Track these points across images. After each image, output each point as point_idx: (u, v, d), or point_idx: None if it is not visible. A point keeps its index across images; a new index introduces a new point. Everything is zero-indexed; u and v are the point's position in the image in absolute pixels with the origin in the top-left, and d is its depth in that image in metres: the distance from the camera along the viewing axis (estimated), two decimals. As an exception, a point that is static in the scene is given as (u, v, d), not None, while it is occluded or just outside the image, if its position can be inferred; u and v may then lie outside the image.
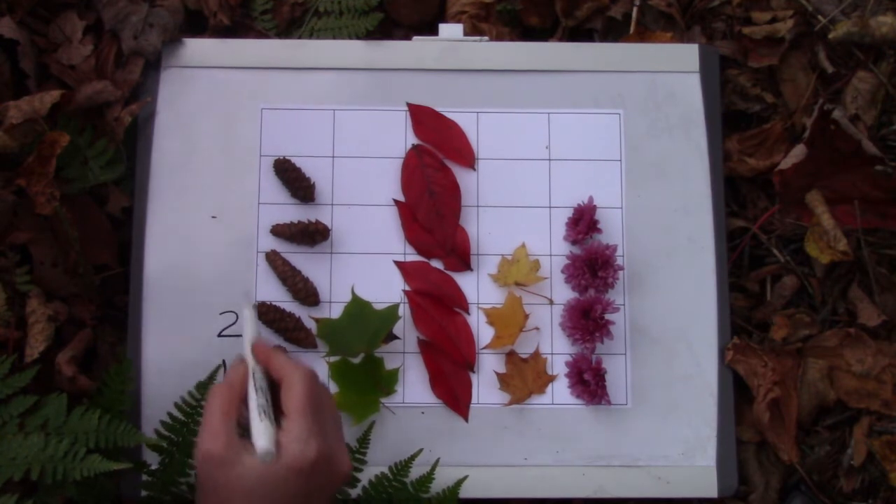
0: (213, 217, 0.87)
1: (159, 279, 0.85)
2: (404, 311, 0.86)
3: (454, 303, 0.86)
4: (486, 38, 0.92)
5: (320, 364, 0.83)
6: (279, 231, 0.86)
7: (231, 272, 0.86)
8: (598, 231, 0.87)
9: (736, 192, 0.94)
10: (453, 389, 0.85)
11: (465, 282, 0.87)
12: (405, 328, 0.86)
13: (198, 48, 0.90)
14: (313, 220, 0.86)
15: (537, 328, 0.87)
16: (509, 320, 0.86)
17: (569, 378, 0.86)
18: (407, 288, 0.87)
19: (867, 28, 0.90)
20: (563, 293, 0.87)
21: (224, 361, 0.84)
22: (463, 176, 0.88)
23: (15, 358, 0.76)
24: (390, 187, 0.88)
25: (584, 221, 0.86)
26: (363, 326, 0.82)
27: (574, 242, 0.88)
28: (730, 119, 0.94)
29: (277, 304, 0.85)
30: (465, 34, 0.92)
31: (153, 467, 0.78)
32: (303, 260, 0.86)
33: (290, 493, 0.61)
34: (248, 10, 0.95)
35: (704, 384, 0.86)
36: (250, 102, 0.89)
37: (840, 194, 0.88)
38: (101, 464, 0.68)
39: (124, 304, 0.86)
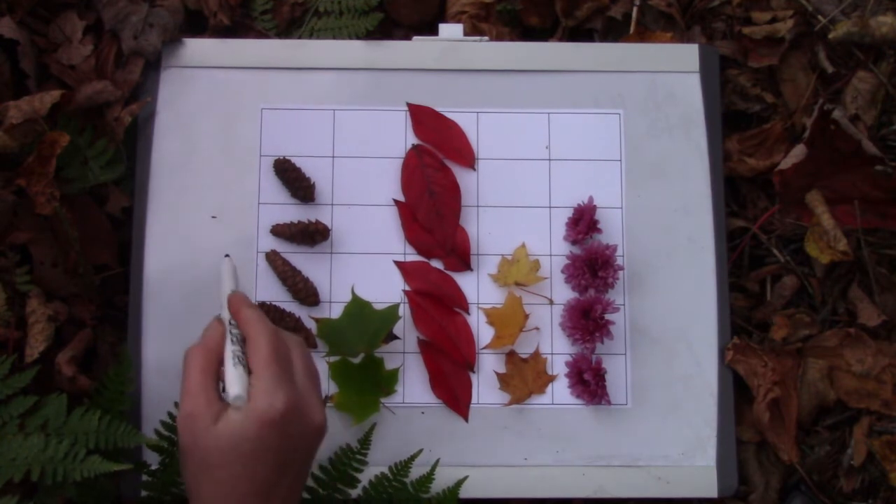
0: (213, 217, 0.87)
1: (159, 279, 0.85)
2: (404, 311, 0.86)
3: (454, 303, 0.86)
4: (486, 38, 0.92)
5: (320, 364, 0.83)
6: (279, 231, 0.86)
7: (231, 272, 0.86)
8: (598, 231, 0.87)
9: (736, 192, 0.94)
10: (453, 389, 0.85)
11: (465, 282, 0.87)
12: (405, 328, 0.86)
13: (198, 48, 0.90)
14: (313, 220, 0.86)
15: (537, 328, 0.87)
16: (509, 320, 0.86)
17: (569, 378, 0.86)
18: (407, 288, 0.87)
19: (867, 28, 0.90)
20: (563, 293, 0.87)
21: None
22: (463, 176, 0.88)
23: (15, 358, 0.76)
24: (390, 187, 0.88)
25: (584, 221, 0.86)
26: (363, 326, 0.82)
27: (574, 242, 0.88)
28: (730, 119, 0.94)
29: (277, 304, 0.85)
30: (465, 34, 0.92)
31: (153, 467, 0.78)
32: (303, 260, 0.86)
33: (263, 446, 0.61)
34: (248, 10, 0.95)
35: (704, 384, 0.86)
36: (250, 102, 0.89)
37: (840, 194, 0.88)
38: (101, 464, 0.68)
39: (124, 304, 0.86)
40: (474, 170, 0.89)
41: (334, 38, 0.93)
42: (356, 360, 0.83)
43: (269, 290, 0.86)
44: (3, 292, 0.81)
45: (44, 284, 0.84)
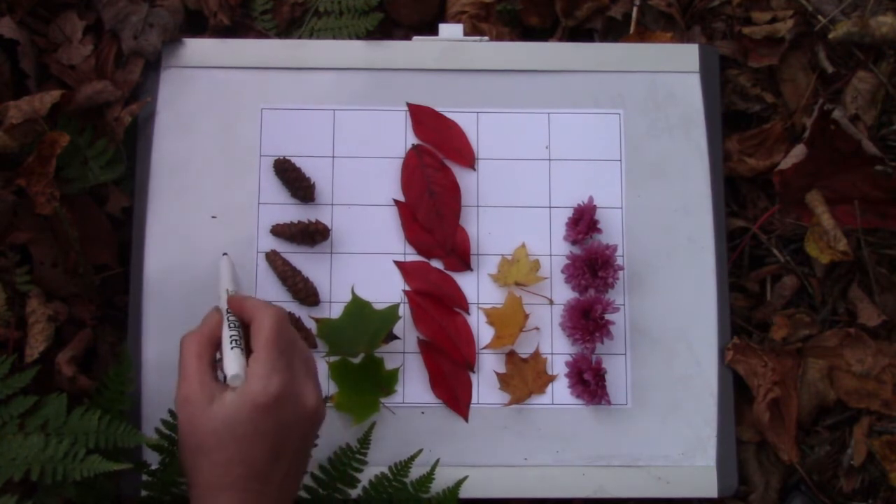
0: (213, 217, 0.87)
1: (159, 279, 0.85)
2: (404, 311, 0.86)
3: (454, 303, 0.86)
4: (486, 38, 0.92)
5: (320, 364, 0.83)
6: (279, 231, 0.86)
7: (231, 272, 0.86)
8: (598, 231, 0.87)
9: (736, 192, 0.94)
10: (453, 389, 0.85)
11: (465, 282, 0.87)
12: (405, 328, 0.86)
13: (198, 48, 0.90)
14: (313, 220, 0.86)
15: (537, 328, 0.87)
16: (509, 320, 0.86)
17: (569, 378, 0.86)
18: (407, 288, 0.87)
19: (867, 28, 0.90)
20: (563, 293, 0.87)
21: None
22: (463, 176, 0.88)
23: (15, 358, 0.76)
24: (390, 187, 0.88)
25: (584, 221, 0.86)
26: (363, 326, 0.83)
27: (574, 242, 0.88)
28: (730, 119, 0.94)
29: (277, 303, 0.85)
30: (465, 34, 0.92)
31: (153, 467, 0.78)
32: (303, 260, 0.86)
33: (257, 430, 0.62)
34: (248, 10, 0.95)
35: (704, 384, 0.86)
36: (250, 102, 0.89)
37: (840, 194, 0.88)
38: (101, 464, 0.68)
39: (124, 304, 0.86)
40: (474, 170, 0.89)
41: (334, 38, 0.93)
42: (356, 360, 0.83)
43: (269, 290, 0.86)
44: (3, 292, 0.81)
45: (44, 284, 0.84)
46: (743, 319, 0.91)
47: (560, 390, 0.86)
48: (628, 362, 0.86)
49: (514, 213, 0.88)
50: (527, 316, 0.85)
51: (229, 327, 0.68)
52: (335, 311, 0.85)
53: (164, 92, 0.88)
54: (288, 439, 0.64)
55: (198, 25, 0.93)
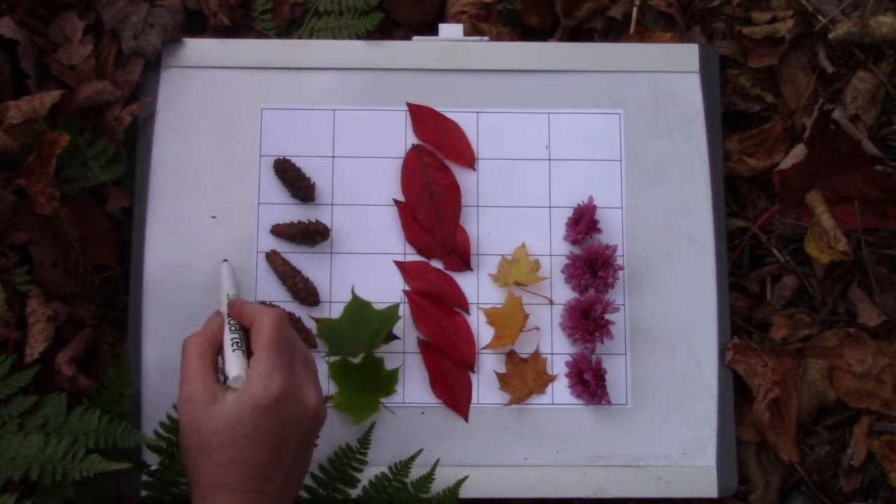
0: (213, 217, 0.87)
1: (159, 279, 0.85)
2: (404, 311, 0.86)
3: (454, 303, 0.86)
4: (486, 38, 0.92)
5: (320, 364, 0.83)
6: (279, 231, 0.86)
7: (231, 272, 0.86)
8: (598, 231, 0.87)
9: (736, 192, 0.94)
10: (453, 389, 0.85)
11: (465, 282, 0.87)
12: (405, 328, 0.86)
13: (198, 48, 0.90)
14: (313, 220, 0.86)
15: (537, 328, 0.87)
16: (509, 320, 0.86)
17: (569, 378, 0.86)
18: (407, 288, 0.87)
19: (867, 28, 0.90)
20: (563, 293, 0.87)
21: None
22: (463, 176, 0.88)
23: (15, 358, 0.76)
24: (390, 187, 0.88)
25: (584, 221, 0.86)
26: (363, 326, 0.82)
27: (574, 242, 0.88)
28: (730, 119, 0.94)
29: (277, 303, 0.85)
30: (465, 34, 0.92)
31: (153, 467, 0.78)
32: (303, 260, 0.86)
33: (258, 430, 0.62)
34: (248, 10, 0.95)
35: (704, 384, 0.86)
36: (250, 102, 0.89)
37: (840, 194, 0.88)
38: (100, 464, 0.68)
39: (124, 304, 0.86)
40: (474, 170, 0.89)
41: (334, 38, 0.93)
42: (356, 360, 0.83)
43: (269, 290, 0.86)
44: (3, 292, 0.81)
45: (44, 284, 0.84)
46: (743, 319, 0.91)
47: (560, 390, 0.86)
48: (628, 362, 0.86)
49: (514, 213, 0.88)
50: (527, 316, 0.85)
51: (230, 330, 0.69)
52: (335, 311, 0.85)
53: (164, 92, 0.88)
54: (289, 439, 0.64)
55: (198, 25, 0.93)
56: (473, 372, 0.86)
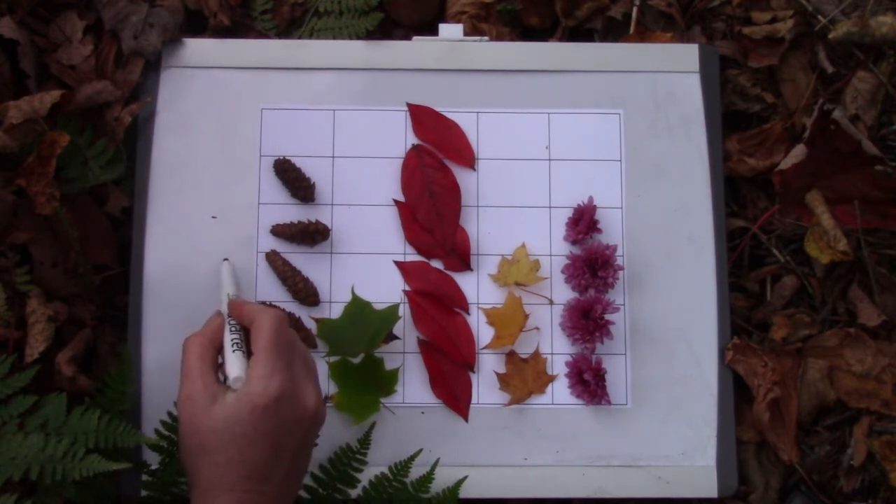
0: (213, 217, 0.87)
1: (159, 279, 0.85)
2: (404, 311, 0.86)
3: (454, 303, 0.86)
4: (486, 38, 0.92)
5: (320, 364, 0.83)
6: (279, 231, 0.86)
7: (231, 272, 0.86)
8: (598, 231, 0.87)
9: (736, 192, 0.94)
10: (453, 389, 0.85)
11: (465, 282, 0.87)
12: (405, 328, 0.86)
13: (198, 48, 0.90)
14: (313, 220, 0.86)
15: (537, 328, 0.87)
16: (509, 320, 0.86)
17: (569, 378, 0.86)
18: (407, 288, 0.87)
19: (867, 28, 0.90)
20: (563, 293, 0.87)
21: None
22: (463, 176, 0.88)
23: (15, 358, 0.76)
24: (390, 187, 0.88)
25: (584, 221, 0.86)
26: (363, 326, 0.82)
27: (574, 242, 0.88)
28: (730, 119, 0.94)
29: (277, 304, 0.85)
30: (465, 34, 0.92)
31: (153, 467, 0.78)
32: (303, 260, 0.86)
33: (257, 430, 0.63)
34: (248, 10, 0.95)
35: (704, 384, 0.86)
36: (250, 102, 0.89)
37: (840, 194, 0.88)
38: (100, 464, 0.68)
39: (124, 304, 0.86)
40: (474, 170, 0.89)
41: (334, 38, 0.93)
42: (356, 360, 0.83)
43: (269, 290, 0.86)
44: (3, 292, 0.81)
45: (44, 284, 0.84)
46: (743, 319, 0.91)
47: (560, 390, 0.86)
48: (628, 362, 0.86)
49: (514, 213, 0.88)
50: (527, 316, 0.85)
51: (230, 331, 0.69)
52: (335, 311, 0.85)
53: (164, 92, 0.88)
54: (288, 440, 0.64)
55: (198, 25, 0.93)
56: (473, 372, 0.86)
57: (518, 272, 0.86)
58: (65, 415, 0.72)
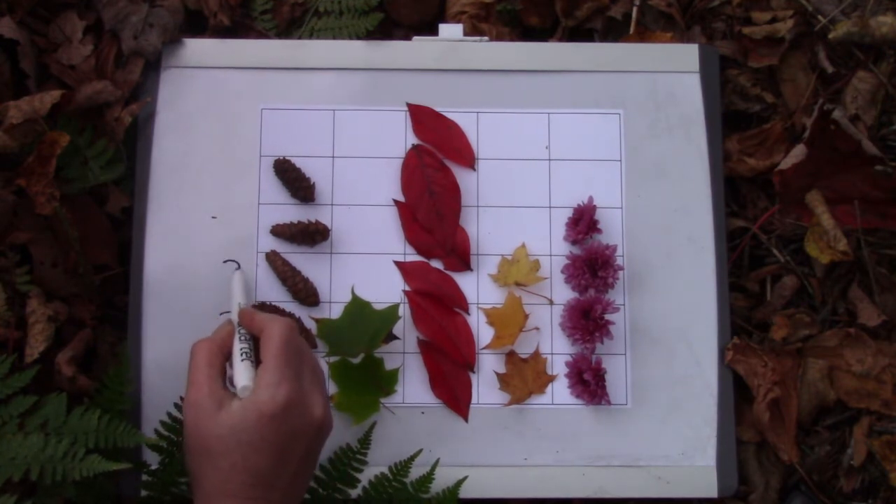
0: (213, 217, 0.87)
1: (159, 279, 0.85)
2: (404, 311, 0.86)
3: (454, 303, 0.86)
4: (486, 38, 0.92)
5: (321, 364, 0.83)
6: (279, 231, 0.86)
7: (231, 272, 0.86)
8: (598, 231, 0.87)
9: (736, 192, 0.94)
10: (453, 389, 0.85)
11: (465, 282, 0.87)
12: (405, 328, 0.86)
13: (198, 48, 0.90)
14: (313, 220, 0.86)
15: (537, 328, 0.87)
16: (509, 320, 0.86)
17: (569, 378, 0.86)
18: (407, 288, 0.87)
19: (867, 28, 0.90)
20: (563, 293, 0.87)
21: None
22: (463, 176, 0.88)
23: (15, 358, 0.76)
24: (390, 187, 0.88)
25: (584, 221, 0.86)
26: (363, 326, 0.82)
27: (574, 242, 0.88)
28: (730, 119, 0.94)
29: (277, 304, 0.85)
30: (465, 34, 0.92)
31: (153, 467, 0.78)
32: (303, 260, 0.86)
33: (262, 438, 0.62)
34: (248, 10, 0.95)
35: (704, 384, 0.86)
36: (250, 102, 0.89)
37: (840, 194, 0.88)
38: (100, 464, 0.68)
39: (124, 304, 0.86)
40: (474, 170, 0.89)
41: (334, 38, 0.93)
42: (356, 360, 0.83)
43: (269, 290, 0.86)
44: (3, 292, 0.81)
45: (44, 284, 0.84)
46: (743, 319, 0.91)
47: (560, 390, 0.86)
48: (628, 362, 0.86)
49: (514, 213, 0.88)
50: (527, 316, 0.85)
51: (240, 340, 0.69)
52: (335, 311, 0.85)
53: (164, 92, 0.88)
54: (293, 448, 0.64)
55: (198, 25, 0.93)
56: (473, 372, 0.86)
57: (518, 272, 0.86)
58: (65, 415, 0.72)
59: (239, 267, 0.80)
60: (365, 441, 0.81)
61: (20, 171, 0.82)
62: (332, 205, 0.88)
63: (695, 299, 0.87)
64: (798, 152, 0.87)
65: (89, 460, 0.68)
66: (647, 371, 0.86)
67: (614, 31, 0.97)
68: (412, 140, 0.89)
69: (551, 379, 0.86)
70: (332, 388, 0.84)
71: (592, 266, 0.85)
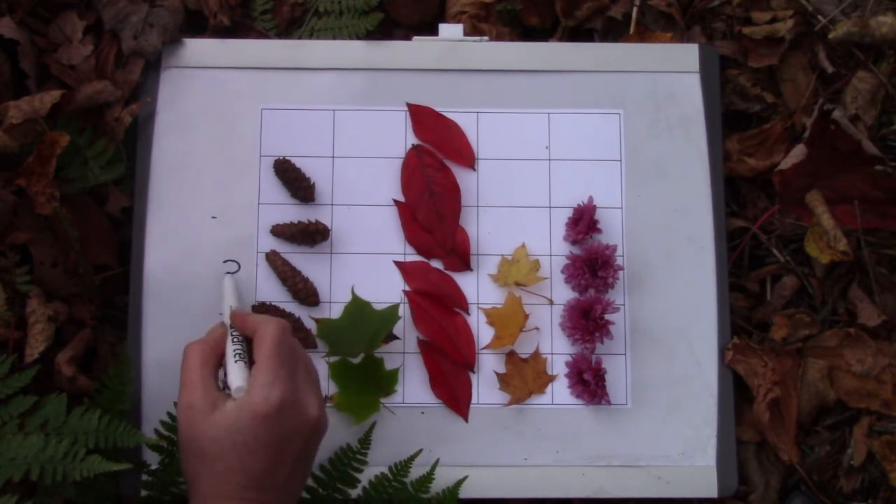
0: (213, 217, 0.87)
1: (159, 279, 0.85)
2: (404, 311, 0.86)
3: (454, 303, 0.86)
4: (486, 38, 0.92)
5: (320, 364, 0.83)
6: (279, 231, 0.86)
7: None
8: (598, 231, 0.87)
9: (736, 192, 0.94)
10: (453, 389, 0.85)
11: (465, 282, 0.87)
12: (405, 328, 0.86)
13: (198, 48, 0.90)
14: (313, 220, 0.86)
15: (537, 328, 0.87)
16: (509, 320, 0.86)
17: (569, 378, 0.86)
18: (407, 288, 0.87)
19: (867, 28, 0.90)
20: (563, 293, 0.87)
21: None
22: (463, 176, 0.88)
23: (15, 358, 0.76)
24: (390, 187, 0.88)
25: (584, 221, 0.86)
26: (363, 326, 0.82)
27: (574, 242, 0.88)
28: (730, 119, 0.94)
29: (277, 304, 0.85)
30: (465, 34, 0.92)
31: (153, 467, 0.78)
32: (303, 260, 0.86)
33: (257, 439, 0.62)
34: (248, 10, 0.95)
35: (704, 384, 0.86)
36: (250, 102, 0.89)
37: (840, 194, 0.88)
38: (100, 464, 0.68)
39: (124, 304, 0.86)
40: (474, 170, 0.89)
41: (334, 38, 0.93)
42: (356, 360, 0.83)
43: (269, 291, 0.86)
44: (3, 292, 0.81)
45: (44, 284, 0.84)
46: (743, 319, 0.91)
47: (560, 390, 0.86)
48: (628, 362, 0.86)
49: (514, 213, 0.88)
50: (527, 316, 0.85)
51: (233, 341, 0.69)
52: (335, 312, 0.85)
53: (164, 92, 0.88)
54: (288, 449, 0.64)
55: (198, 25, 0.93)
56: (473, 372, 0.86)
57: (518, 272, 0.86)
58: (65, 415, 0.72)
59: (238, 269, 0.80)
60: (365, 441, 0.81)
61: (20, 171, 0.82)
62: (332, 205, 0.88)
63: (695, 299, 0.87)
64: (798, 152, 0.87)
65: (89, 460, 0.68)
66: (647, 371, 0.86)
67: (614, 31, 0.97)
68: (412, 140, 0.89)
69: (551, 379, 0.86)
70: (332, 388, 0.84)
71: (592, 266, 0.85)
